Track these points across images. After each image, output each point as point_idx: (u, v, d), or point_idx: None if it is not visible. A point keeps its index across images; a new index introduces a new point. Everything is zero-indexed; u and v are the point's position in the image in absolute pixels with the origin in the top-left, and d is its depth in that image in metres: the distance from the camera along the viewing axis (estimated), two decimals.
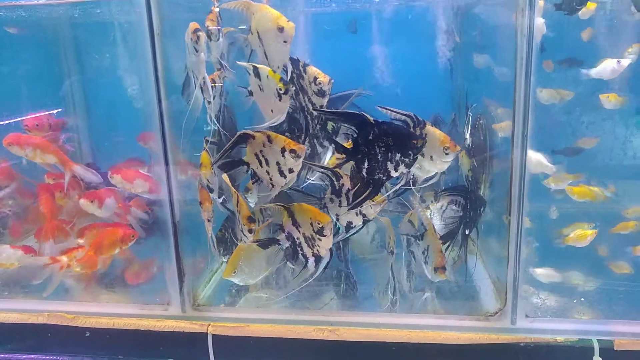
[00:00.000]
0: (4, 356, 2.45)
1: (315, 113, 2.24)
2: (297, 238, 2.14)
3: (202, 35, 2.18)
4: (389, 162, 1.99)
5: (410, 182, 2.15)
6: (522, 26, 1.85)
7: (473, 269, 2.54)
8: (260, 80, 2.12)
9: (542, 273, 2.27)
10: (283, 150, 2.05)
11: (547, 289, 2.39)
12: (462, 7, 2.88)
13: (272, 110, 2.14)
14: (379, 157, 1.99)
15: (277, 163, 2.09)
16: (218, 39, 2.23)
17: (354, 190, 2.07)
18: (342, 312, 2.32)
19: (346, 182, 2.16)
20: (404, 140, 1.97)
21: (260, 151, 2.11)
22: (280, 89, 2.06)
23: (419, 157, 2.04)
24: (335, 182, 2.18)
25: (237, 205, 2.21)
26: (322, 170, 2.21)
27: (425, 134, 2.07)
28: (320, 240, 2.08)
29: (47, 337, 2.38)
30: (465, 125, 2.73)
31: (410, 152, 1.97)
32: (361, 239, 2.68)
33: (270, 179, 2.13)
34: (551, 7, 2.31)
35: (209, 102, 2.29)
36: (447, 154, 2.05)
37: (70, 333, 2.35)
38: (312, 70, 2.18)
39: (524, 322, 2.17)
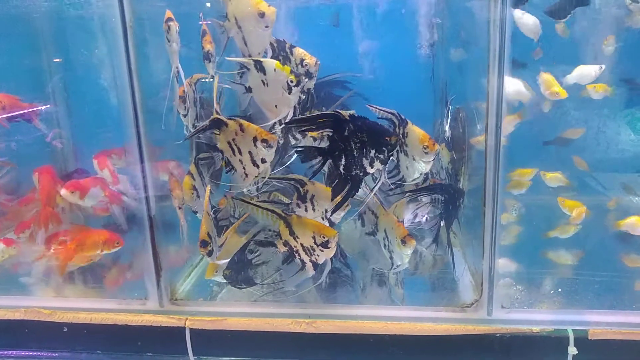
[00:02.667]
0: None
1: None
2: (294, 246, 2.13)
3: (173, 25, 2.17)
4: (364, 159, 1.98)
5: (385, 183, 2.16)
6: (494, 18, 1.85)
7: (453, 264, 2.54)
8: (264, 74, 2.07)
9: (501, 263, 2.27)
10: (255, 139, 2.03)
11: (523, 281, 2.41)
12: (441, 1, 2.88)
13: (276, 106, 2.10)
14: (354, 153, 1.98)
15: (250, 152, 2.07)
16: (216, 60, 2.23)
17: (333, 186, 2.07)
18: (320, 304, 2.32)
19: (310, 189, 2.17)
20: (378, 137, 1.96)
21: (233, 139, 2.09)
22: (292, 82, 2.02)
23: (404, 157, 2.05)
24: (300, 189, 2.19)
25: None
26: (286, 181, 2.21)
27: (407, 133, 2.07)
28: (322, 251, 2.09)
29: (25, 333, 2.37)
30: (444, 118, 2.74)
31: (384, 148, 1.96)
32: (350, 235, 2.68)
33: (244, 168, 2.11)
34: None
35: (184, 115, 2.28)
36: (426, 153, 2.04)
37: (48, 328, 2.33)
38: (299, 51, 2.18)
39: (500, 313, 2.18)
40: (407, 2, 2.91)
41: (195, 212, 2.40)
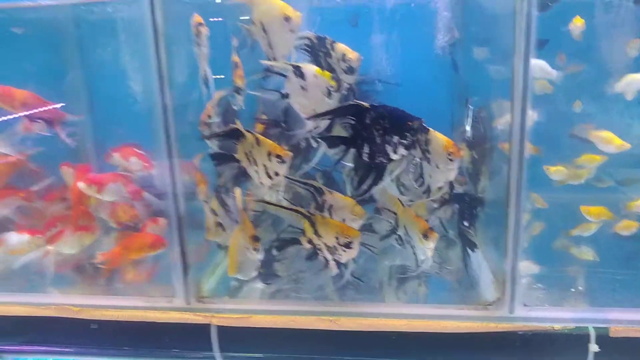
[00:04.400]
0: (12, 348, 2.51)
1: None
2: (317, 245, 2.18)
3: (203, 30, 2.21)
4: (387, 145, 2.01)
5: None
6: (520, 20, 1.88)
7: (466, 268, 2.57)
8: (304, 80, 2.11)
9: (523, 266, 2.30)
10: (269, 154, 2.11)
11: (544, 280, 2.44)
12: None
13: (314, 110, 2.14)
14: (377, 140, 2.01)
15: (264, 165, 2.14)
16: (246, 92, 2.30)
17: (358, 175, 2.11)
18: (343, 302, 2.36)
19: (328, 198, 2.21)
20: (399, 122, 2.00)
21: (250, 151, 2.17)
22: (333, 87, 2.07)
23: (427, 165, 2.07)
24: (318, 198, 2.23)
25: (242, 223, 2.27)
26: (305, 186, 2.25)
27: (430, 140, 2.09)
28: (344, 251, 2.13)
29: (54, 329, 2.43)
30: (465, 118, 2.76)
31: (407, 133, 1.99)
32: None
33: (259, 178, 2.20)
34: None
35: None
36: (451, 159, 2.05)
37: (77, 325, 2.39)
38: (341, 47, 2.20)
39: (522, 311, 2.21)
40: (427, 3, 2.94)
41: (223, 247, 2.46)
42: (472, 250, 2.54)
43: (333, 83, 2.09)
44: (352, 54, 2.20)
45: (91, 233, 2.72)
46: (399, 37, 2.94)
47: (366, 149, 2.05)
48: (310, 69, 2.13)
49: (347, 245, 2.13)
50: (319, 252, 2.20)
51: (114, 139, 3.06)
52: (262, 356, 2.36)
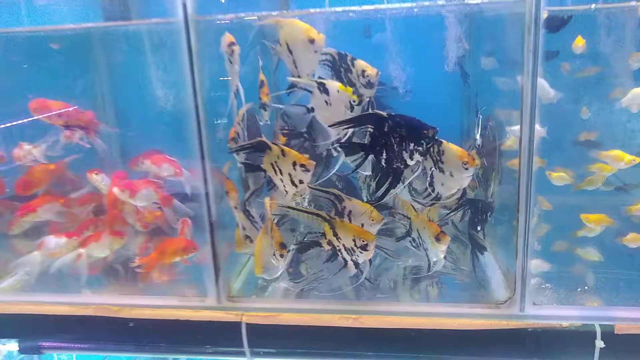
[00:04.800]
0: (55, 345, 2.68)
1: None
2: (337, 246, 2.33)
3: (236, 49, 2.38)
4: (404, 152, 2.16)
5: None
6: (528, 42, 2.03)
7: (474, 269, 2.69)
8: (328, 95, 2.27)
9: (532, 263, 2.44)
10: (294, 163, 2.26)
11: (553, 280, 2.57)
12: (470, 15, 3.04)
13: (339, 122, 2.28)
14: (395, 147, 2.16)
15: (289, 174, 2.29)
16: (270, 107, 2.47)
17: (376, 180, 2.27)
18: (365, 301, 2.51)
19: (347, 205, 2.36)
20: (415, 131, 2.14)
21: (275, 162, 2.33)
22: (354, 101, 2.22)
23: (439, 174, 2.22)
24: (338, 205, 2.38)
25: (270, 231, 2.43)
26: (326, 195, 2.40)
27: (443, 151, 2.24)
28: (361, 253, 2.29)
29: (95, 327, 2.58)
30: (475, 127, 2.91)
31: (422, 141, 2.14)
32: None
33: (284, 186, 2.34)
34: None
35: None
36: (466, 169, 2.19)
37: (116, 324, 2.54)
38: (360, 63, 2.34)
39: (532, 309, 2.33)
40: (438, 15, 3.08)
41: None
42: (481, 254, 2.67)
43: (355, 97, 2.24)
44: (371, 70, 2.34)
45: (120, 238, 2.87)
46: (410, 48, 3.10)
47: (384, 155, 2.21)
48: (333, 85, 2.28)
49: (364, 248, 2.28)
50: (338, 253, 2.36)
51: (138, 147, 3.23)
52: (289, 352, 2.50)
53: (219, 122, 2.48)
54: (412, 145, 2.15)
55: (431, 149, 2.23)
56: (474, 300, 2.46)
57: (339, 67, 2.40)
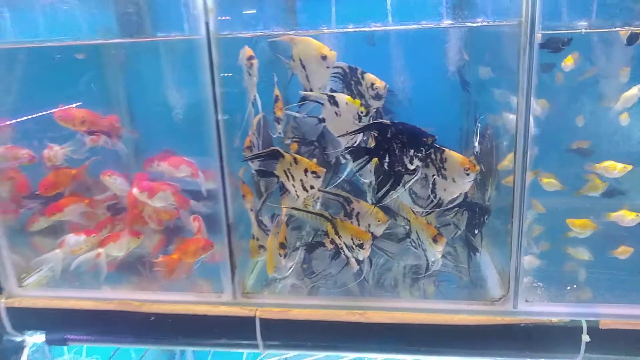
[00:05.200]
0: (80, 338, 2.86)
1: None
2: (339, 244, 2.52)
3: (255, 62, 2.55)
4: (404, 157, 2.33)
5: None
6: (523, 62, 2.21)
7: (469, 270, 2.87)
8: (337, 107, 2.44)
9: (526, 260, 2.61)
10: (306, 170, 2.43)
11: (544, 279, 2.76)
12: (470, 31, 3.22)
13: (346, 131, 2.46)
14: (396, 152, 2.33)
15: (301, 180, 2.47)
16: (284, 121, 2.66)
17: (378, 181, 2.44)
18: (370, 298, 2.69)
19: (355, 206, 2.53)
20: (416, 138, 2.30)
21: (288, 169, 2.49)
22: (362, 112, 2.38)
23: (441, 180, 2.40)
24: (346, 206, 2.56)
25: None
26: (335, 197, 2.59)
27: (446, 159, 2.41)
28: (360, 251, 2.48)
29: (117, 321, 2.76)
30: (474, 135, 3.10)
31: (422, 147, 2.31)
32: None
33: (296, 191, 2.52)
34: None
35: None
36: (468, 174, 2.35)
37: (137, 318, 2.72)
38: (369, 76, 2.50)
39: (524, 306, 2.51)
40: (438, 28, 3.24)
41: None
42: (474, 254, 2.83)
43: (362, 109, 2.40)
44: (379, 83, 2.50)
45: (137, 237, 3.02)
46: (412, 58, 3.27)
47: (386, 159, 2.39)
48: (342, 97, 2.44)
49: (361, 246, 2.48)
50: (341, 251, 2.55)
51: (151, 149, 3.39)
52: (299, 344, 2.69)
53: (225, 117, 2.59)
54: (412, 151, 2.33)
55: (434, 157, 2.40)
56: (471, 298, 2.64)
57: (350, 80, 2.55)
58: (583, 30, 2.61)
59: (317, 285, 2.82)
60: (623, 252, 2.88)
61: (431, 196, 2.47)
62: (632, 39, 2.61)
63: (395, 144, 2.34)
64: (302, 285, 2.84)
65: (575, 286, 2.73)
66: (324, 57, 2.42)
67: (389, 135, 2.34)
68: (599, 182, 3.03)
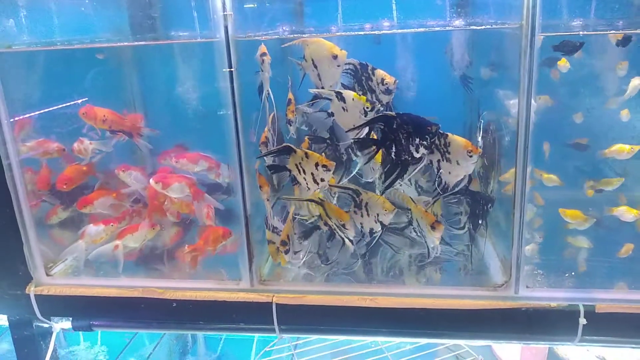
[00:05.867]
0: (105, 323, 3.03)
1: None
2: (332, 225, 2.71)
3: (266, 58, 2.70)
4: (410, 146, 2.48)
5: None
6: (524, 63, 2.36)
7: (471, 259, 3.03)
8: (344, 102, 2.59)
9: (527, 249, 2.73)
10: (317, 164, 2.58)
11: (543, 266, 2.91)
12: (473, 32, 3.36)
13: (353, 125, 2.62)
14: (402, 142, 2.47)
15: (312, 173, 2.62)
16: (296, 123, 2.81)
17: (385, 170, 2.60)
18: (380, 284, 2.84)
19: (364, 197, 2.68)
20: (420, 127, 2.45)
21: (299, 163, 2.65)
22: (368, 108, 2.53)
23: (446, 164, 2.55)
24: (356, 198, 2.72)
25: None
26: (345, 190, 2.74)
27: (449, 143, 2.56)
28: (345, 230, 2.67)
29: (141, 308, 2.91)
30: (477, 130, 3.25)
31: (427, 136, 2.46)
32: None
33: (307, 184, 2.67)
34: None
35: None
36: (470, 156, 2.49)
37: (160, 304, 2.86)
38: (380, 72, 2.63)
39: (525, 292, 2.65)
40: (443, 33, 3.39)
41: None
42: (473, 243, 2.99)
43: (368, 104, 2.54)
44: (389, 79, 2.64)
45: (153, 229, 3.18)
46: (417, 56, 3.41)
47: (393, 149, 2.54)
48: (349, 94, 2.59)
49: (343, 226, 2.67)
50: (335, 232, 2.72)
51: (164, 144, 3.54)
52: (314, 328, 2.87)
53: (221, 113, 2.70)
54: (417, 140, 2.48)
55: (438, 143, 2.52)
56: (475, 284, 2.78)
57: (361, 76, 2.69)
58: (581, 32, 2.76)
59: (331, 273, 2.97)
60: (626, 250, 3.01)
61: (436, 181, 2.60)
62: (625, 41, 2.76)
63: (401, 134, 2.49)
64: (314, 273, 2.98)
65: (573, 273, 2.87)
66: (335, 57, 2.56)
67: (394, 127, 2.49)
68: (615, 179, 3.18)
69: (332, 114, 2.69)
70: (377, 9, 3.42)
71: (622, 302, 2.60)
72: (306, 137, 2.93)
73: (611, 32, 2.78)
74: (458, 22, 3.03)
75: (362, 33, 2.93)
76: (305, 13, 3.62)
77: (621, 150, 3.11)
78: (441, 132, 2.53)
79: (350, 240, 2.72)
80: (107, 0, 3.35)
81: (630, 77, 3.10)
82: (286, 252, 2.80)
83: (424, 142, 2.47)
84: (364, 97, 2.58)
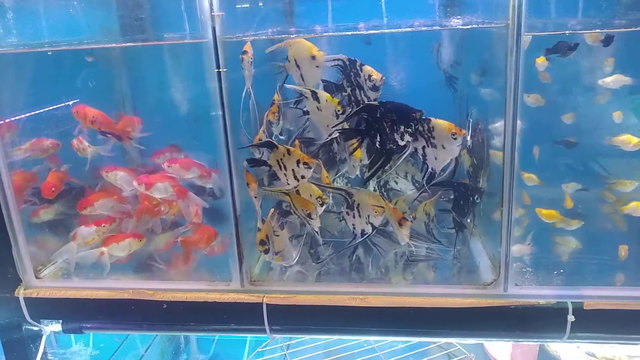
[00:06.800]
0: (97, 325, 3.02)
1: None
2: (299, 216, 2.74)
3: (246, 57, 2.71)
4: (395, 134, 2.48)
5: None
6: (510, 63, 2.37)
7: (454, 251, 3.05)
8: (319, 102, 2.62)
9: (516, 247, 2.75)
10: (298, 161, 2.60)
11: (532, 264, 2.93)
12: (459, 32, 3.38)
13: (327, 125, 2.67)
14: (387, 130, 2.48)
15: (293, 170, 2.64)
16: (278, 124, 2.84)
17: (370, 160, 2.60)
18: (370, 284, 2.86)
19: (356, 198, 2.70)
20: (404, 114, 2.46)
21: (281, 159, 2.66)
22: (339, 111, 2.57)
23: (432, 150, 2.53)
24: (348, 199, 2.73)
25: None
26: (336, 191, 2.77)
27: (433, 127, 2.52)
28: (311, 220, 2.69)
29: (132, 309, 2.91)
30: (466, 129, 3.26)
31: (411, 122, 2.46)
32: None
33: (287, 180, 2.70)
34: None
35: None
36: (455, 138, 2.47)
37: (151, 306, 2.86)
38: (367, 69, 2.64)
39: (514, 290, 2.67)
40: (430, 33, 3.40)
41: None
42: (462, 232, 3.00)
43: (339, 108, 2.59)
44: (376, 75, 2.63)
45: (139, 240, 3.13)
46: (406, 56, 3.42)
47: (378, 138, 2.54)
48: (322, 94, 2.63)
49: (309, 216, 2.70)
50: (306, 222, 2.75)
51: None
52: (304, 328, 2.87)
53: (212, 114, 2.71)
54: (402, 127, 2.48)
55: (422, 128, 2.50)
56: (465, 282, 2.80)
57: (349, 72, 2.70)
58: (567, 32, 2.78)
59: (323, 271, 2.98)
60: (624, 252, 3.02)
61: (424, 167, 2.60)
62: (607, 40, 2.78)
63: (385, 122, 2.49)
64: (306, 270, 2.99)
65: (562, 270, 2.90)
66: (313, 57, 2.59)
67: (378, 115, 2.50)
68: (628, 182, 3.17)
69: (307, 112, 2.73)
70: (367, 10, 3.43)
71: (610, 298, 2.63)
72: (296, 139, 2.94)
73: (595, 31, 2.80)
74: (445, 22, 3.04)
75: (349, 33, 2.93)
76: (296, 13, 3.63)
77: (629, 141, 3.08)
78: (424, 117, 2.52)
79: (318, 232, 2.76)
80: (96, 1, 3.34)
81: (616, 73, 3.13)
82: (265, 251, 2.79)
83: (409, 129, 2.46)
84: (336, 100, 2.62)
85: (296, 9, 3.65)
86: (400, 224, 2.69)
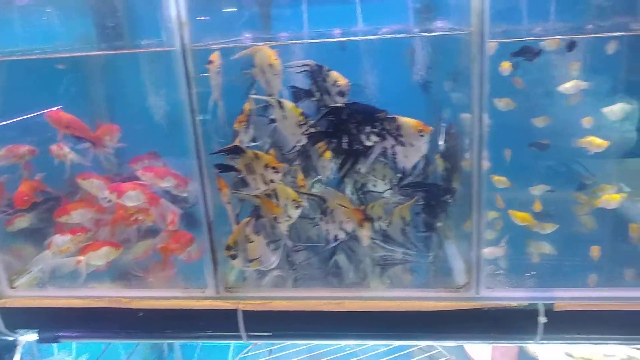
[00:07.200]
0: (73, 334, 3.01)
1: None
2: (269, 219, 2.77)
3: (212, 67, 2.74)
4: (361, 135, 2.51)
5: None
6: (474, 69, 2.41)
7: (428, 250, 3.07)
8: (284, 111, 2.65)
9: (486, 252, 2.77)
10: (266, 166, 2.62)
11: (504, 267, 2.96)
12: (430, 39, 3.42)
13: (293, 133, 2.69)
14: (353, 131, 2.51)
15: (262, 174, 2.66)
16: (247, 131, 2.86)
17: (340, 162, 2.65)
18: (346, 289, 2.86)
19: (330, 205, 2.73)
20: (369, 115, 2.50)
21: (249, 164, 2.68)
22: (301, 121, 2.61)
23: (401, 149, 2.56)
24: (322, 205, 2.76)
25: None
26: (311, 196, 2.79)
27: (400, 126, 2.56)
28: (277, 224, 2.75)
29: (107, 318, 2.89)
30: (438, 133, 3.30)
31: (376, 123, 2.49)
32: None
33: (256, 185, 2.71)
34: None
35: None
36: (422, 135, 2.51)
37: (127, 314, 2.85)
38: (334, 74, 2.68)
39: (486, 292, 2.69)
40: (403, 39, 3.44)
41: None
42: (432, 236, 3.04)
43: (302, 118, 2.63)
44: (342, 80, 2.68)
45: (116, 249, 3.12)
46: (380, 61, 3.45)
47: (345, 139, 2.57)
48: (287, 103, 2.66)
49: (276, 220, 2.74)
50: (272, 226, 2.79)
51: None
52: (281, 334, 2.87)
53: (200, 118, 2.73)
54: (368, 127, 2.51)
55: (389, 127, 2.54)
56: (439, 285, 2.81)
57: (317, 77, 2.74)
58: (531, 38, 2.84)
59: (297, 278, 2.98)
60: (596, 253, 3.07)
61: (395, 167, 2.64)
62: (570, 46, 2.85)
63: (351, 123, 2.52)
64: (284, 274, 2.99)
65: (534, 272, 2.93)
66: (271, 65, 2.63)
67: (344, 117, 2.53)
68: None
69: (274, 120, 2.76)
70: (342, 16, 3.48)
71: (581, 299, 2.66)
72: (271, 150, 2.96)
73: (556, 37, 2.86)
74: (416, 29, 3.08)
75: (319, 41, 2.96)
76: (274, 17, 3.65)
77: (593, 142, 3.15)
78: (390, 116, 2.55)
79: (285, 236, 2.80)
80: (70, 9, 3.35)
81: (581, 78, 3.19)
82: (232, 257, 2.79)
83: (375, 130, 2.49)
84: (299, 110, 2.65)
85: (274, 14, 3.67)
86: (361, 225, 2.71)
